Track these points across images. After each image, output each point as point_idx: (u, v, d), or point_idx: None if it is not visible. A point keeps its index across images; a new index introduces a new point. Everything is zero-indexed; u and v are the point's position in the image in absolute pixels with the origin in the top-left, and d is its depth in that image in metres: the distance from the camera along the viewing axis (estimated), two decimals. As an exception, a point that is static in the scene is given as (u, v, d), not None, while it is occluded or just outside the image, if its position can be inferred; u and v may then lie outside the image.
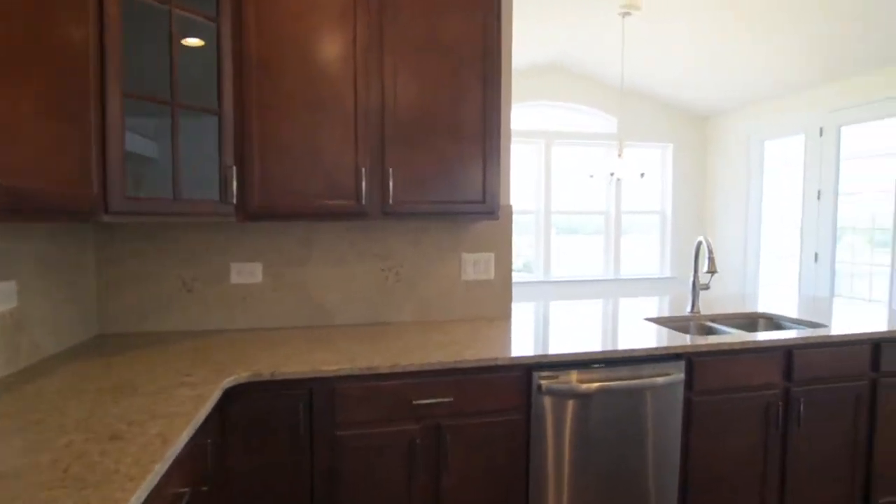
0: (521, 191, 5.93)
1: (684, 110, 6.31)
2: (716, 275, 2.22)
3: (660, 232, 6.50)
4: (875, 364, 2.04)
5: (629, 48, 4.94)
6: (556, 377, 1.68)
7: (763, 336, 1.90)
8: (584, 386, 1.68)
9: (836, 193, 4.77)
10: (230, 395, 1.45)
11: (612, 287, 6.22)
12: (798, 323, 2.23)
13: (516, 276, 6.39)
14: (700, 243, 2.30)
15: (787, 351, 1.93)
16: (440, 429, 1.59)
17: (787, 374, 1.93)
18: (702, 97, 5.81)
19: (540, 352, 1.69)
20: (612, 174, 4.37)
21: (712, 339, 1.84)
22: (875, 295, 4.45)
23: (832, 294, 4.82)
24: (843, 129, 4.69)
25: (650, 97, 6.13)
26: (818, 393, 1.96)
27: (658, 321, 2.25)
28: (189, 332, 1.98)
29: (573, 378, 1.69)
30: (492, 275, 2.23)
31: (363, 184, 1.81)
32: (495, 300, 2.25)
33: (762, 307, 2.50)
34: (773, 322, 2.35)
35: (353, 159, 1.81)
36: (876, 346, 2.03)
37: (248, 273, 2.03)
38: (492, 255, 2.22)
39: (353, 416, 1.55)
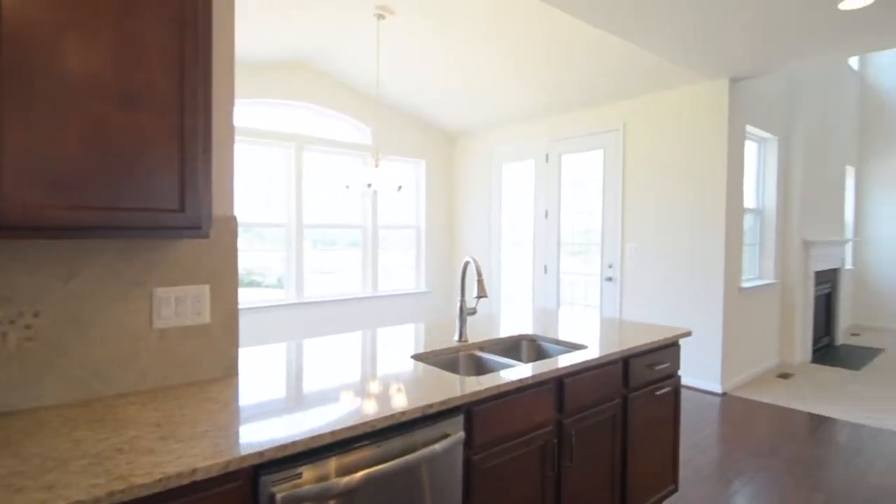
0: (271, 200, 5.15)
1: (437, 128, 6.48)
2: (463, 287, 1.98)
3: (415, 247, 6.51)
4: (626, 380, 2.07)
5: (385, 59, 4.72)
6: (299, 475, 1.12)
7: (539, 369, 1.70)
8: (345, 480, 1.16)
9: (559, 212, 5.41)
10: None
11: (371, 305, 5.93)
12: (559, 344, 2.16)
13: (269, 296, 5.64)
14: (468, 264, 2.04)
15: (559, 381, 1.77)
16: None
17: (560, 406, 1.77)
18: (453, 117, 6.02)
19: (271, 438, 1.11)
20: (369, 185, 4.03)
21: (489, 383, 1.54)
22: (590, 300, 5.15)
23: (558, 302, 5.44)
24: (564, 156, 5.37)
25: (405, 111, 6.09)
26: (585, 420, 1.87)
27: (425, 358, 1.89)
28: None
29: (330, 468, 1.16)
30: (206, 317, 1.53)
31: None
32: (213, 353, 1.55)
33: (520, 326, 2.41)
34: (536, 345, 2.25)
35: None
36: (626, 363, 2.06)
37: None
38: (206, 289, 1.53)
39: None
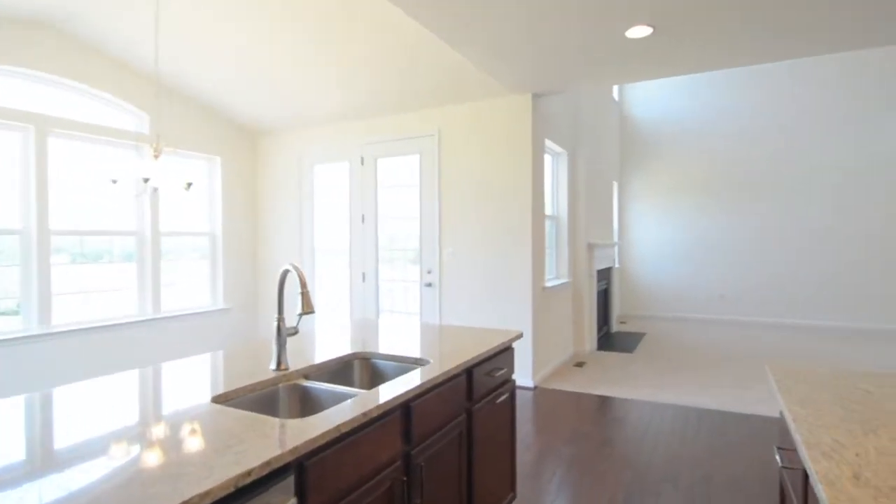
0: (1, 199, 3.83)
1: (236, 122, 5.69)
2: (272, 298, 1.61)
3: (210, 257, 5.61)
4: (469, 392, 1.90)
5: (168, 33, 3.90)
6: None
7: (384, 395, 1.40)
8: None
9: (376, 217, 5.19)
10: None
11: (152, 331, 4.88)
12: (397, 360, 1.90)
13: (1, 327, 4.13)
14: (287, 274, 1.64)
15: (406, 407, 1.50)
16: None
17: (407, 435, 1.50)
18: (256, 111, 5.34)
19: None
20: (146, 180, 3.22)
21: (325, 424, 1.19)
22: (410, 308, 5.03)
23: (378, 311, 5.20)
24: (380, 160, 5.17)
25: (197, 100, 5.20)
26: (433, 446, 1.63)
27: (232, 399, 1.44)
28: None
29: None
30: None
31: None
32: None
33: (348, 343, 2.08)
34: (371, 364, 1.95)
35: None
36: (469, 374, 1.89)
37: None
38: None
39: None
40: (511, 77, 3.99)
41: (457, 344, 2.08)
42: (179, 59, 4.40)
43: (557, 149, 5.40)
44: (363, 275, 5.27)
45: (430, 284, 4.87)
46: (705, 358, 5.53)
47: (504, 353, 2.20)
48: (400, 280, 5.10)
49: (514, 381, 2.30)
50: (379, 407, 1.33)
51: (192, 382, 1.52)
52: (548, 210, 5.41)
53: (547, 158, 5.37)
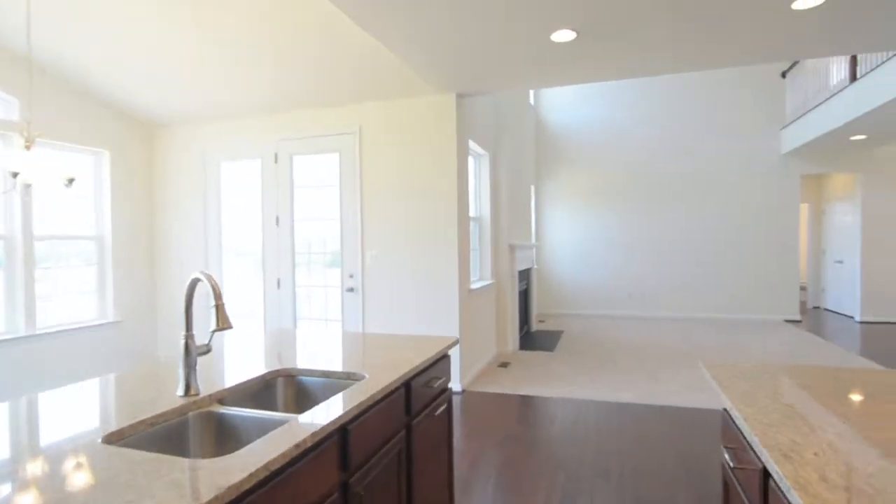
0: None
1: (128, 113, 5.08)
2: (174, 309, 1.39)
3: (98, 263, 4.97)
4: (408, 407, 1.76)
5: (42, 8, 3.36)
6: None
7: (317, 419, 1.22)
8: None
9: (292, 219, 4.87)
10: None
11: (25, 351, 4.21)
12: (326, 376, 1.71)
13: None
14: (197, 283, 1.41)
15: (343, 431, 1.33)
16: None
17: (344, 462, 1.33)
18: (152, 102, 4.79)
19: None
20: (15, 175, 2.72)
21: (252, 462, 1.00)
22: (331, 315, 4.77)
23: (296, 319, 4.88)
24: (295, 158, 4.86)
25: (79, 87, 4.57)
26: (372, 471, 1.47)
27: (129, 437, 1.19)
28: None
29: None
30: None
31: None
32: None
33: (267, 358, 1.86)
34: (296, 382, 1.74)
35: None
36: (408, 387, 1.75)
37: None
38: None
39: None
40: (435, 74, 3.90)
41: (390, 354, 1.93)
42: (58, 37, 3.83)
43: (480, 150, 5.40)
44: (278, 281, 4.92)
45: (351, 289, 4.65)
46: (619, 353, 5.80)
47: (441, 362, 2.09)
48: (319, 286, 4.82)
49: (450, 391, 2.19)
50: (313, 435, 1.15)
51: (76, 417, 1.25)
52: (472, 211, 5.40)
53: (470, 160, 5.36)
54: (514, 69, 3.79)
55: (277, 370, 1.74)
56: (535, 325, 7.42)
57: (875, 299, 7.41)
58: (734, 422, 1.39)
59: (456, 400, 4.22)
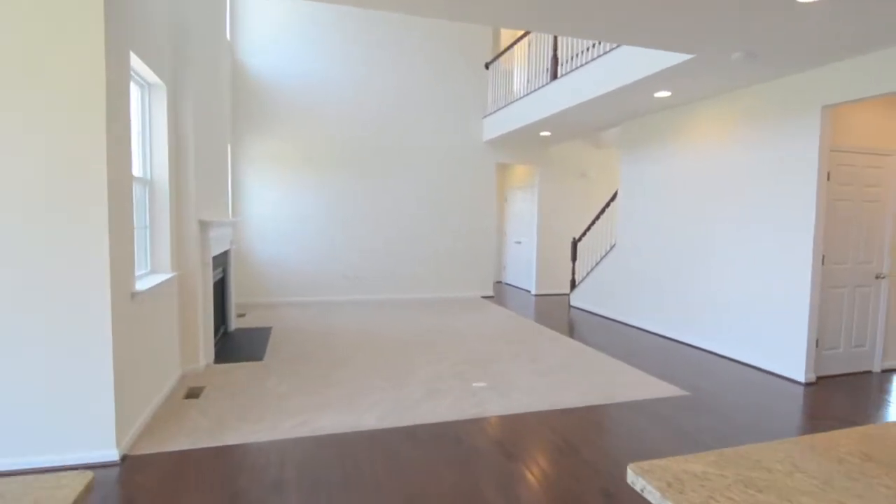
0: None
1: None
2: None
3: None
4: None
5: None
6: None
7: None
8: None
9: None
10: None
11: None
12: None
13: None
14: None
15: None
16: None
17: None
18: None
19: None
20: None
21: None
22: None
23: None
24: None
25: None
26: None
27: None
28: None
29: None
30: None
31: None
32: None
33: None
34: None
35: None
36: None
37: None
38: None
39: None
40: None
41: None
42: None
43: (151, 77, 3.55)
44: None
45: None
46: (344, 351, 4.91)
47: None
48: None
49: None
50: None
51: None
52: (137, 170, 3.54)
53: (133, 88, 3.47)
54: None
55: None
56: (233, 323, 5.85)
57: (545, 276, 8.66)
58: None
59: (108, 480, 2.52)
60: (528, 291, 8.94)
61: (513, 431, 3.17)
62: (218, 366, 4.42)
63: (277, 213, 7.44)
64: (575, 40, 6.21)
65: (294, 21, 7.32)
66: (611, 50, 4.97)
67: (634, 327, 6.22)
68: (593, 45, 5.42)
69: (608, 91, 5.04)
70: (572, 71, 5.62)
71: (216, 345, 4.94)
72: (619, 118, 6.33)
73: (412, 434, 3.11)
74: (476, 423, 3.28)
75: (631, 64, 4.66)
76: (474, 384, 4.02)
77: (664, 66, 4.21)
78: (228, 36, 6.71)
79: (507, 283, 9.90)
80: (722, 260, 5.03)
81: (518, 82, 7.83)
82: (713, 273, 5.13)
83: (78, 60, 2.51)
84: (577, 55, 5.87)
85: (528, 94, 6.69)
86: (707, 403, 3.70)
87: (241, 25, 7.13)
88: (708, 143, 5.23)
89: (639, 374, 4.33)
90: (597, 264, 7.09)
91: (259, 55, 7.22)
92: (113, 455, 2.69)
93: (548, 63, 6.61)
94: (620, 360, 4.77)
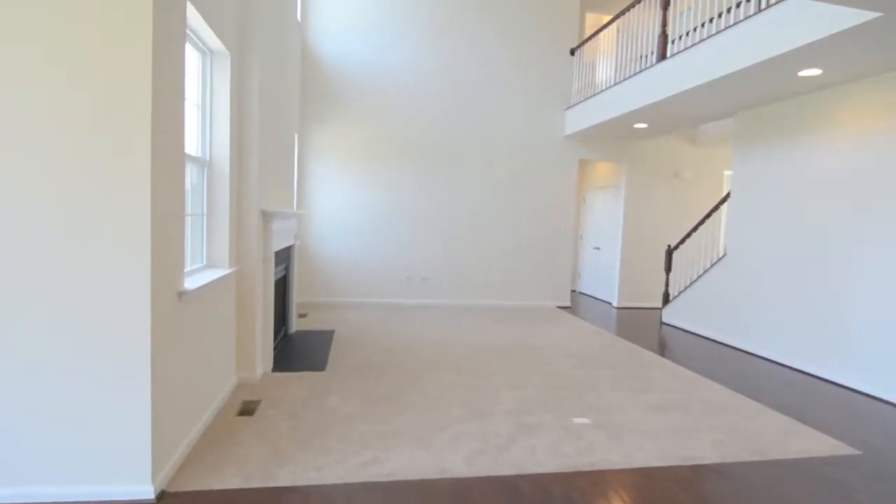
0: None
1: None
2: None
3: None
4: None
5: None
6: None
7: None
8: None
9: None
10: None
11: None
12: None
13: None
14: None
15: None
16: None
17: None
18: None
19: None
20: None
21: None
22: None
23: None
24: None
25: None
26: None
27: None
28: None
29: None
30: None
31: None
32: None
33: None
34: None
35: None
36: None
37: None
38: None
39: None
40: None
41: None
42: None
43: (214, 41, 3.07)
44: None
45: None
46: (415, 365, 4.30)
47: None
48: None
49: None
50: None
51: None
52: (192, 149, 3.08)
53: (192, 54, 3.00)
54: None
55: None
56: (294, 325, 5.40)
57: (629, 286, 7.74)
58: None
59: (137, 531, 2.01)
60: (609, 303, 8.03)
61: (643, 494, 2.42)
62: (276, 375, 3.92)
63: (341, 208, 6.98)
64: (685, 17, 5.33)
65: (367, 5, 6.84)
66: (745, 19, 4.10)
67: (748, 353, 5.25)
68: (719, 15, 4.55)
69: (738, 69, 4.16)
70: (692, 46, 4.74)
71: (275, 349, 4.48)
72: (734, 107, 5.38)
73: (513, 488, 2.43)
74: (590, 479, 2.55)
75: (775, 33, 3.77)
76: (575, 420, 3.28)
77: (831, 32, 3.31)
78: (299, 17, 6.31)
79: (581, 293, 9.03)
80: (885, 283, 4.02)
81: (603, 72, 6.99)
82: (874, 299, 4.12)
83: (112, 16, 2.01)
84: (690, 31, 5.00)
85: (627, 79, 5.84)
86: (891, 468, 2.80)
87: (312, 8, 6.72)
88: (865, 136, 4.23)
89: (781, 420, 3.45)
90: (699, 277, 6.13)
91: (329, 41, 6.79)
92: (148, 492, 2.18)
93: (648, 46, 5.75)
94: (749, 397, 3.89)
